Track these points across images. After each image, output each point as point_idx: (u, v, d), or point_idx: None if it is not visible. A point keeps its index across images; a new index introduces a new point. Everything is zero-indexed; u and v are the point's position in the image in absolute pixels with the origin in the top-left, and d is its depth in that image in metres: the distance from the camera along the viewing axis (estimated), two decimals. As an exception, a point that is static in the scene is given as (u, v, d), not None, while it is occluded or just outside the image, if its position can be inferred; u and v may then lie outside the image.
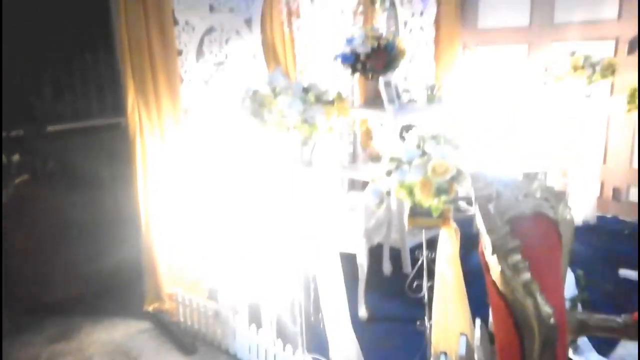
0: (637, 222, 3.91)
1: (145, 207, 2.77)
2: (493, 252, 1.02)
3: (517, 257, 1.01)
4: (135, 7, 2.57)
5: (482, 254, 1.11)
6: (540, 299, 0.99)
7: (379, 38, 3.43)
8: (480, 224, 1.10)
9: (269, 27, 3.33)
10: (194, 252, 2.93)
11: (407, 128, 3.50)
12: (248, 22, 3.13)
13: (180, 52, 2.86)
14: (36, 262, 3.01)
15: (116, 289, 3.20)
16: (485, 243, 1.07)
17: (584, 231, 3.92)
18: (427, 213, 2.04)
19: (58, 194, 3.14)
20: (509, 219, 1.12)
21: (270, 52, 3.36)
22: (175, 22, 2.80)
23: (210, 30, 2.97)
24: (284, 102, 2.07)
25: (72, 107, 3.31)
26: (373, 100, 3.52)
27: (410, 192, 2.00)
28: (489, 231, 1.05)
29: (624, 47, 3.95)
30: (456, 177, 1.89)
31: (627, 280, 3.19)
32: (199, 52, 2.96)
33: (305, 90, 2.20)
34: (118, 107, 3.02)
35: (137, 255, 2.90)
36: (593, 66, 3.66)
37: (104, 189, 3.27)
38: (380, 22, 4.15)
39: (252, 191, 2.45)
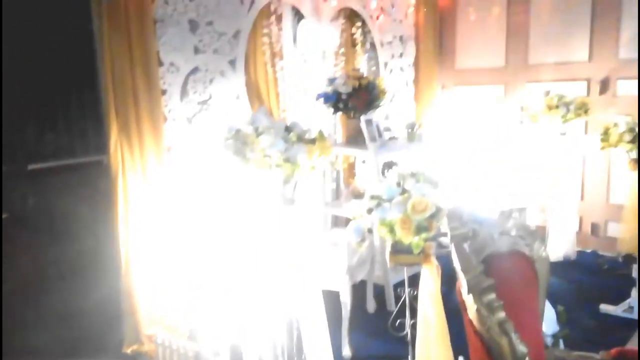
0: (615, 256, 3.98)
1: (126, 247, 2.74)
2: (468, 292, 1.03)
3: (491, 296, 1.03)
4: (120, 48, 2.61)
5: (459, 292, 1.13)
6: (515, 338, 1.01)
7: (360, 78, 3.52)
8: (456, 263, 1.12)
9: (252, 67, 3.41)
10: (174, 292, 2.89)
11: (389, 165, 3.56)
12: (232, 62, 3.20)
13: (164, 92, 2.90)
14: (13, 303, 2.93)
15: (95, 331, 3.11)
16: (462, 282, 1.09)
17: (565, 266, 3.97)
18: (408, 250, 2.06)
19: (37, 232, 3.09)
20: (485, 257, 1.15)
21: (253, 92, 3.43)
22: (160, 63, 2.85)
23: (194, 71, 3.02)
24: (267, 141, 2.10)
25: (54, 146, 3.30)
26: (355, 138, 3.58)
27: (391, 230, 2.02)
28: (464, 270, 1.07)
29: (595, 87, 4.11)
30: (435, 215, 1.92)
31: (607, 316, 3.21)
32: (183, 92, 3.00)
33: (288, 130, 2.24)
34: (101, 145, 3.02)
35: (117, 296, 2.84)
36: (567, 105, 3.79)
37: (85, 228, 3.23)
38: (362, 63, 4.28)
39: (235, 230, 2.45)
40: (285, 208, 2.33)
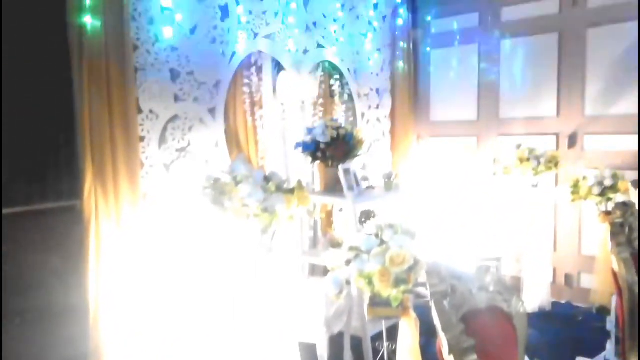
0: (590, 308, 4.01)
1: (96, 297, 2.63)
2: (450, 352, 1.02)
3: (472, 357, 1.02)
4: (98, 94, 2.61)
5: (440, 351, 1.12)
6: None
7: (338, 128, 3.58)
8: (436, 321, 1.11)
9: (232, 116, 3.45)
10: (146, 345, 2.77)
11: (367, 214, 3.57)
12: (212, 111, 3.23)
13: (142, 139, 2.89)
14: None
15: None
16: (442, 341, 1.08)
17: (540, 318, 3.98)
18: (387, 303, 2.03)
19: (4, 279, 2.95)
20: (464, 313, 1.14)
21: (233, 140, 3.44)
22: (140, 110, 2.86)
23: (174, 119, 3.03)
24: (245, 190, 2.10)
25: (26, 191, 3.22)
26: (333, 186, 3.59)
27: (370, 282, 2.00)
28: (445, 330, 1.06)
29: (564, 142, 4.27)
30: (414, 268, 1.92)
31: (584, 368, 3.21)
32: (162, 139, 2.99)
33: (266, 179, 2.24)
34: (74, 190, 2.96)
35: (85, 350, 2.70)
36: (537, 158, 3.92)
37: (54, 276, 3.11)
38: (339, 114, 4.36)
39: (211, 280, 2.40)
40: (262, 257, 2.31)
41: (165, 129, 3.01)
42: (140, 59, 2.85)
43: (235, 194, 2.09)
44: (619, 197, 3.49)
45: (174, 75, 3.02)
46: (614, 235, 2.05)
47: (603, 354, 3.23)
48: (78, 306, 2.71)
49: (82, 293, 2.67)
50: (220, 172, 2.32)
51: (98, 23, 2.57)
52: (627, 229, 2.08)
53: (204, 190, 2.12)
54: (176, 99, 3.04)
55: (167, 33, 2.93)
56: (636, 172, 3.79)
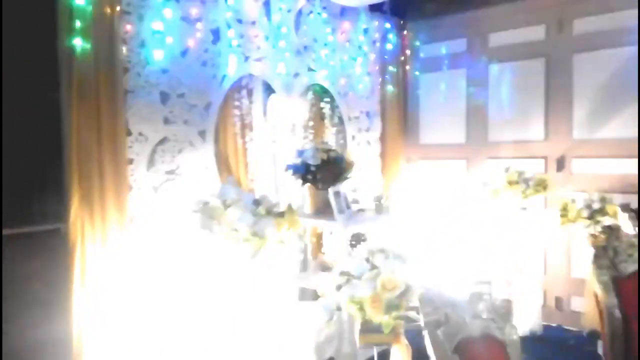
0: (581, 331, 3.99)
1: (80, 326, 2.55)
2: (444, 383, 1.00)
3: (468, 390, 1.00)
4: (87, 116, 2.59)
5: (434, 382, 1.09)
6: None
7: (328, 151, 3.58)
8: (430, 352, 1.09)
9: (222, 138, 3.43)
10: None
11: (357, 237, 3.55)
12: (202, 133, 3.22)
13: (131, 161, 2.86)
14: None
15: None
16: (437, 373, 1.05)
17: (532, 342, 3.94)
18: (379, 329, 2.00)
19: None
20: (458, 343, 1.12)
21: (223, 162, 3.43)
22: (129, 133, 2.84)
23: (163, 141, 3.01)
24: (235, 214, 2.07)
25: (10, 213, 3.15)
26: (323, 209, 3.57)
27: (361, 308, 1.98)
28: (440, 361, 1.03)
29: (552, 165, 4.31)
30: (405, 293, 1.90)
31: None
32: (151, 161, 2.97)
33: (256, 203, 2.23)
34: (60, 212, 2.90)
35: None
36: (526, 181, 3.94)
37: (36, 302, 3.02)
38: (330, 136, 4.37)
39: (200, 305, 2.35)
40: (251, 282, 2.27)
41: (154, 151, 2.98)
42: (131, 81, 2.84)
43: (225, 218, 2.06)
44: (608, 220, 3.52)
45: (164, 97, 3.01)
46: (596, 258, 2.07)
47: (595, 378, 3.20)
48: (61, 337, 2.62)
49: (65, 322, 2.60)
50: (209, 195, 2.30)
51: (88, 45, 2.57)
52: (610, 253, 2.08)
53: (193, 214, 2.09)
54: (166, 121, 3.02)
55: (158, 56, 2.93)
56: (623, 196, 3.82)
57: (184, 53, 3.09)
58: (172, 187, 3.05)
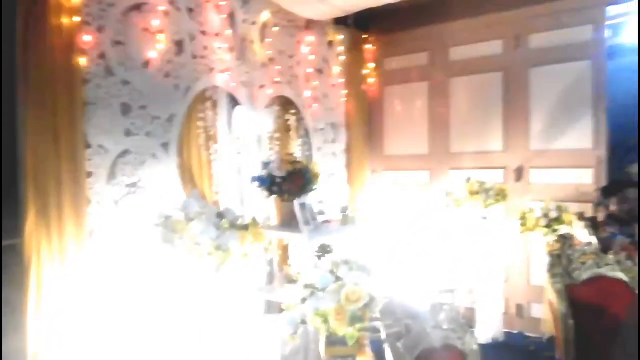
0: (541, 337, 4.10)
1: (36, 347, 2.45)
2: (404, 396, 1.01)
3: (426, 401, 1.01)
4: (44, 129, 2.51)
5: (395, 395, 1.10)
6: None
7: (294, 162, 3.58)
8: (390, 365, 1.10)
9: (186, 150, 3.39)
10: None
11: (324, 248, 3.56)
12: (165, 146, 3.17)
13: (90, 174, 2.79)
14: None
15: None
16: (397, 386, 1.06)
17: (493, 349, 4.03)
18: (343, 342, 2.01)
19: None
20: (419, 353, 1.14)
21: (187, 175, 3.37)
22: (88, 145, 2.77)
23: (124, 153, 2.95)
24: (197, 228, 2.04)
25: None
26: (289, 221, 3.57)
27: (325, 320, 1.97)
28: (399, 374, 1.05)
29: (511, 175, 4.44)
30: (369, 305, 1.91)
31: (537, 399, 3.24)
32: (111, 175, 2.89)
33: (220, 216, 2.20)
34: (15, 228, 2.79)
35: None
36: (487, 191, 4.05)
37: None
38: (296, 148, 4.38)
39: (162, 321, 2.30)
40: (216, 296, 2.24)
41: (115, 164, 2.92)
42: (90, 92, 2.78)
43: (187, 232, 2.03)
44: (564, 229, 3.65)
45: (126, 109, 2.96)
46: (550, 266, 2.14)
47: (554, 383, 3.29)
48: (13, 358, 2.51)
49: (19, 342, 2.49)
50: (172, 209, 2.26)
51: (46, 56, 2.50)
52: (564, 261, 2.16)
53: (155, 228, 2.05)
54: (127, 133, 2.96)
55: (119, 67, 2.88)
56: (578, 205, 3.98)
57: (146, 64, 3.05)
58: (134, 201, 2.98)
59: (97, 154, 2.82)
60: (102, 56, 2.82)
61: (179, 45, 3.25)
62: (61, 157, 2.58)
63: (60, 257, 2.57)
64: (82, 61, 2.69)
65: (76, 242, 2.64)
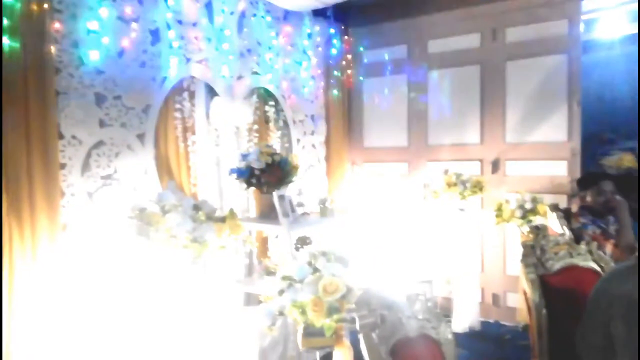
0: (516, 326, 4.19)
1: (8, 344, 2.39)
2: (378, 386, 1.02)
3: (399, 391, 1.02)
4: (15, 119, 2.44)
5: (369, 385, 1.11)
6: None
7: (273, 154, 3.57)
8: (365, 355, 1.11)
9: (163, 142, 3.34)
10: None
11: (303, 240, 3.56)
12: (141, 137, 3.11)
13: (63, 166, 2.73)
14: None
15: None
16: (371, 376, 1.07)
17: (470, 337, 4.11)
18: (321, 333, 2.01)
19: None
20: (394, 344, 1.15)
21: (163, 167, 3.33)
22: (61, 136, 2.70)
23: (99, 145, 2.89)
24: (173, 220, 2.02)
25: None
26: (268, 213, 3.56)
27: (303, 312, 1.98)
28: (373, 364, 1.05)
29: (488, 167, 4.50)
30: (346, 296, 1.92)
31: (511, 386, 3.32)
32: (85, 166, 2.84)
33: (196, 208, 2.18)
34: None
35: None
36: (464, 183, 4.10)
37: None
38: (275, 140, 4.36)
39: (138, 315, 2.27)
40: (193, 289, 2.22)
41: (89, 155, 2.86)
42: (63, 82, 2.71)
43: (163, 225, 2.01)
44: (539, 220, 3.72)
45: (100, 99, 2.89)
46: (524, 256, 2.18)
47: (529, 370, 3.36)
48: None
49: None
50: (147, 201, 2.23)
51: (16, 44, 2.43)
52: (538, 251, 2.21)
53: (129, 220, 2.02)
54: (102, 124, 2.91)
55: (93, 56, 2.82)
56: (553, 196, 4.06)
57: (121, 54, 2.98)
58: (109, 193, 2.93)
59: (70, 145, 2.76)
60: (74, 45, 2.75)
61: (154, 34, 3.19)
62: (33, 148, 2.52)
63: (32, 252, 2.52)
64: (54, 49, 2.62)
65: (49, 236, 2.58)
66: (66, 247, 2.65)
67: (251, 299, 3.80)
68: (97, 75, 2.86)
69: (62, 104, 2.71)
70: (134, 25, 3.02)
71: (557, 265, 2.19)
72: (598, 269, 2.22)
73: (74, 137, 2.77)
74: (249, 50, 3.99)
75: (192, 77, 3.53)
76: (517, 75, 4.35)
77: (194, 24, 3.46)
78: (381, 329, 1.18)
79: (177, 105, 3.45)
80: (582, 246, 2.26)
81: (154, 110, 3.19)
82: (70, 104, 2.74)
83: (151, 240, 1.99)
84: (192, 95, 3.57)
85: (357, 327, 1.18)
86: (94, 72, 2.85)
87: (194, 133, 3.58)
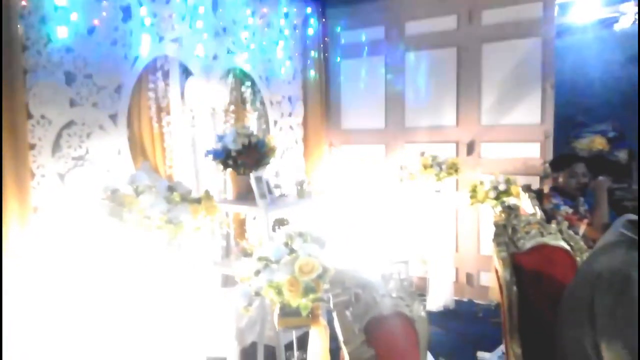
0: (489, 304, 4.30)
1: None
2: (350, 363, 1.03)
3: (372, 366, 1.04)
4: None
5: (343, 362, 1.13)
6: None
7: (249, 136, 3.53)
8: (338, 333, 1.12)
9: (136, 122, 3.28)
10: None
11: (280, 222, 3.56)
12: (113, 117, 3.04)
13: (33, 146, 2.66)
14: None
15: None
16: (344, 353, 1.09)
17: (444, 316, 4.20)
18: (297, 312, 2.03)
19: None
20: (368, 320, 1.16)
21: (137, 148, 3.28)
22: (29, 116, 2.62)
23: (69, 125, 2.81)
24: (147, 201, 1.99)
25: None
26: (245, 195, 3.54)
27: (279, 292, 1.98)
28: (346, 342, 1.07)
29: (463, 149, 4.55)
30: (322, 275, 1.93)
31: (483, 363, 3.42)
32: (56, 147, 2.77)
33: (170, 189, 2.15)
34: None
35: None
36: (440, 165, 4.14)
37: None
38: (252, 121, 4.32)
39: (114, 297, 2.24)
40: (168, 270, 2.20)
41: (59, 135, 2.79)
42: (30, 60, 2.63)
43: (136, 206, 1.98)
44: (512, 201, 3.79)
45: (70, 78, 2.81)
46: (495, 236, 2.22)
47: (500, 347, 3.46)
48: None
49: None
50: (120, 182, 2.19)
51: (-22, 19, 2.34)
52: (509, 230, 2.25)
53: (101, 201, 1.98)
54: (72, 103, 2.83)
55: (62, 33, 2.73)
56: (526, 177, 4.13)
57: (91, 31, 2.90)
58: (81, 174, 2.87)
59: (39, 125, 2.68)
60: (42, 21, 2.66)
61: (126, 11, 3.10)
62: (0, 128, 2.44)
63: (2, 235, 2.46)
64: (20, 26, 2.53)
65: (19, 219, 2.52)
66: (37, 230, 2.59)
67: (229, 281, 3.80)
68: (66, 53, 2.77)
69: (30, 83, 2.63)
70: (104, 2, 2.93)
71: (528, 244, 2.23)
72: (568, 247, 2.28)
73: (43, 116, 2.69)
74: (224, 29, 3.91)
75: (166, 56, 3.46)
76: (493, 58, 4.38)
77: (167, 1, 3.38)
78: (355, 307, 1.19)
79: (151, 85, 3.38)
80: (553, 225, 2.31)
81: (127, 90, 3.12)
82: (38, 83, 2.65)
83: (124, 222, 1.96)
84: (166, 75, 3.50)
85: (331, 305, 1.19)
86: (63, 49, 2.76)
87: (168, 113, 3.52)
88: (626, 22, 4.85)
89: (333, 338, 2.16)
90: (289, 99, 4.73)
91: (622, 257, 1.48)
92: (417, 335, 1.37)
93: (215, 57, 3.83)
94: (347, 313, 1.14)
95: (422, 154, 4.21)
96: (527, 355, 2.09)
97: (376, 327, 1.20)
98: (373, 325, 1.19)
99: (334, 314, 1.15)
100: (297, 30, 4.75)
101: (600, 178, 3.46)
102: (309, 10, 4.81)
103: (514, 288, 2.06)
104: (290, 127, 4.77)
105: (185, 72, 3.65)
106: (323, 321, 2.16)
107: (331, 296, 1.20)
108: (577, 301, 1.65)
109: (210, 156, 3.52)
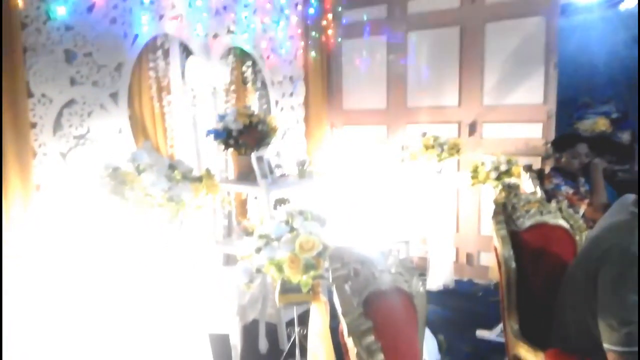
0: (488, 284, 4.34)
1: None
2: (348, 335, 1.05)
3: (370, 339, 1.05)
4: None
5: (342, 335, 1.14)
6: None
7: (251, 115, 3.53)
8: (337, 306, 1.14)
9: (137, 101, 3.27)
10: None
11: (281, 201, 3.58)
12: (114, 96, 3.04)
13: (34, 125, 2.66)
14: None
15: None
16: (342, 324, 1.10)
17: (444, 295, 4.25)
18: (297, 289, 2.06)
19: None
20: (367, 295, 1.18)
21: (138, 127, 3.27)
22: (30, 94, 2.62)
23: (70, 103, 2.81)
24: (148, 179, 2.00)
25: None
26: (246, 174, 3.56)
27: (280, 269, 2.01)
28: (344, 314, 1.09)
29: (465, 130, 4.54)
30: (322, 253, 1.95)
31: (483, 341, 3.46)
32: (57, 125, 2.77)
33: (172, 167, 2.16)
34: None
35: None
36: (441, 145, 4.14)
37: None
38: (253, 101, 4.31)
39: (116, 275, 2.27)
40: (169, 248, 2.23)
41: (60, 114, 2.79)
42: (30, 38, 2.61)
43: (138, 183, 1.99)
44: (513, 181, 3.79)
45: (70, 56, 2.80)
46: (495, 214, 2.23)
47: (499, 325, 3.50)
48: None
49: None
50: (122, 160, 2.19)
51: (-24, -4, 2.32)
52: (509, 209, 2.26)
53: (102, 179, 2.00)
54: (73, 82, 2.82)
55: (61, 11, 2.70)
56: (527, 158, 4.13)
57: (91, 9, 2.87)
58: (82, 153, 2.88)
59: (40, 104, 2.68)
60: (40, -2, 2.64)
61: (125, -12, 3.07)
62: (2, 107, 2.44)
63: (5, 215, 2.48)
64: (19, 3, 2.51)
65: (22, 197, 2.54)
66: (40, 208, 2.61)
67: (230, 260, 3.84)
68: (65, 31, 2.75)
69: (30, 61, 2.62)
70: (103, -22, 2.90)
71: (527, 223, 2.25)
72: (567, 226, 2.29)
73: (43, 95, 2.69)
74: (224, 8, 3.87)
75: (166, 35, 3.43)
76: (496, 37, 4.33)
77: (167, -21, 3.34)
78: (354, 282, 1.21)
79: (151, 64, 3.36)
80: (553, 204, 2.32)
81: (127, 69, 3.10)
82: (38, 61, 2.64)
83: (126, 200, 1.97)
84: (166, 54, 3.48)
85: (330, 279, 1.21)
86: (63, 27, 2.74)
87: (169, 93, 3.51)
88: (631, 2, 4.78)
89: (333, 316, 2.20)
90: (290, 79, 4.70)
91: (632, 237, 1.51)
92: (415, 310, 1.39)
93: (215, 36, 3.81)
94: (346, 287, 1.16)
95: (424, 134, 4.20)
96: (524, 330, 2.12)
97: (375, 301, 1.22)
98: (372, 300, 1.21)
99: (333, 288, 1.17)
100: (298, 9, 4.70)
101: (595, 160, 3.46)
102: (310, -12, 4.75)
103: (513, 265, 2.08)
104: (292, 107, 4.76)
105: (186, 51, 3.63)
106: (323, 298, 2.19)
107: (330, 270, 1.22)
108: (583, 273, 1.68)
109: (212, 136, 3.52)
